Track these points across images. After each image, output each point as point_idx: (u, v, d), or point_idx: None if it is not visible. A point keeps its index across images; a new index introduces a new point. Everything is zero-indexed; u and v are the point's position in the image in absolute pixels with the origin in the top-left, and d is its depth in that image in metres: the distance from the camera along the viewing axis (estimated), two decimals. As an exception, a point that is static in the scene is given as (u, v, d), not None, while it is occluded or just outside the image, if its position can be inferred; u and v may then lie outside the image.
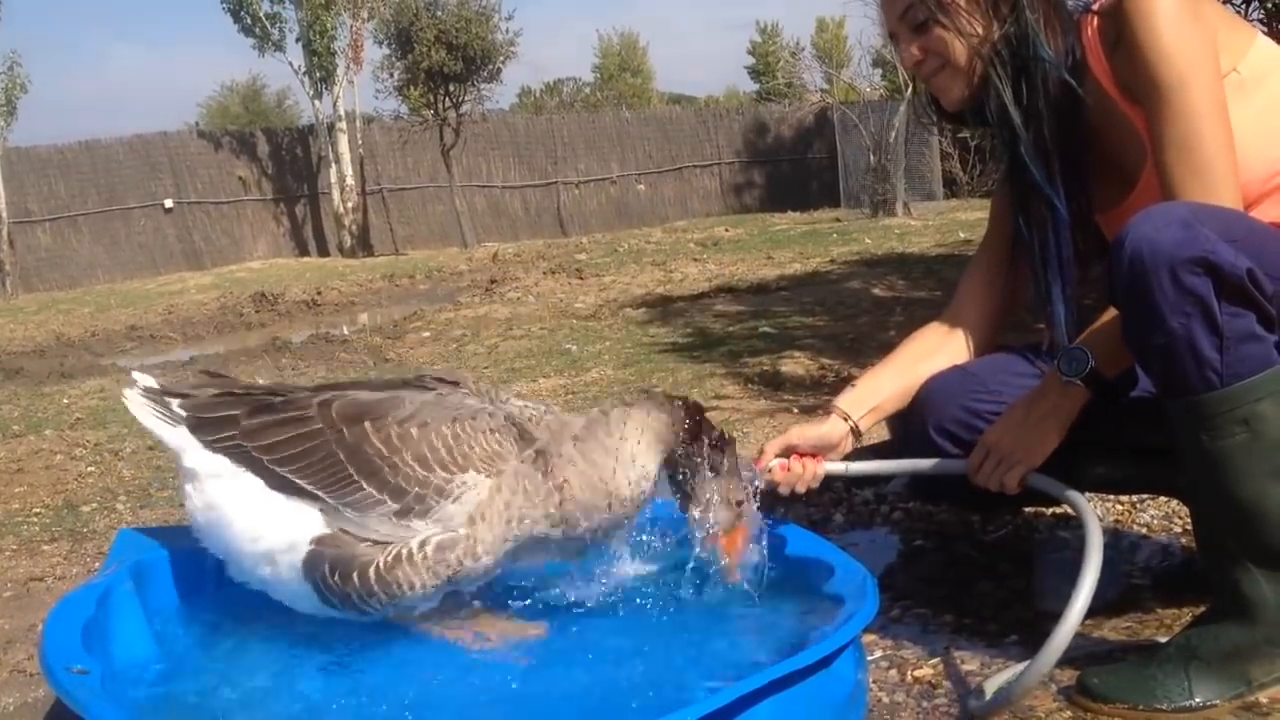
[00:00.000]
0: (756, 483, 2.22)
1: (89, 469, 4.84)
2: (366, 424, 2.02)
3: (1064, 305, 2.19)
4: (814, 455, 2.28)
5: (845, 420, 2.30)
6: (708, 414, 2.20)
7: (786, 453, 2.28)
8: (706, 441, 2.13)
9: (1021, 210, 2.21)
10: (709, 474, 2.13)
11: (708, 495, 2.14)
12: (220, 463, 2.08)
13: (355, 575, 2.00)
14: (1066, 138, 2.12)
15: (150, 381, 2.18)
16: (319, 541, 2.02)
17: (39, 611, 2.82)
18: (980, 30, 2.11)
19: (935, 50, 2.15)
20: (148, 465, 4.77)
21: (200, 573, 2.28)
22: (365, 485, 2.00)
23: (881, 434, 2.51)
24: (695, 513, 2.15)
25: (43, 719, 2.24)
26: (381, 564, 2.00)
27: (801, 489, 2.28)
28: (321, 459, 2.02)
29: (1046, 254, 2.18)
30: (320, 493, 2.02)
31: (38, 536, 3.75)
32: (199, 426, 2.10)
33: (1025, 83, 2.10)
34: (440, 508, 2.00)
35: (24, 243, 21.69)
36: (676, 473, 2.16)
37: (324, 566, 2.01)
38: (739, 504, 2.17)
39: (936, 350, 2.37)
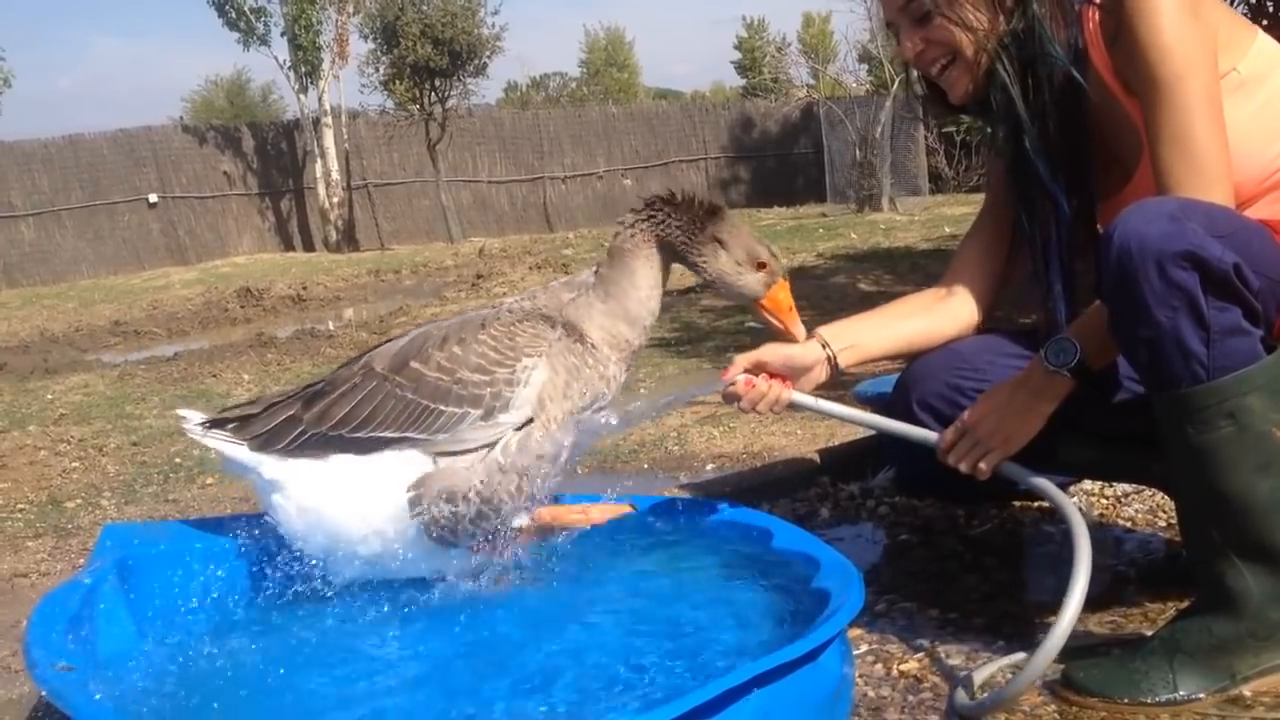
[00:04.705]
0: (716, 390, 2.22)
1: (73, 465, 4.83)
2: (413, 364, 2.13)
3: (1064, 299, 2.18)
4: (783, 379, 2.25)
5: (823, 347, 2.27)
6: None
7: (755, 370, 2.24)
8: (703, 226, 2.16)
9: (1024, 205, 2.20)
10: (718, 249, 2.17)
11: (728, 270, 2.18)
12: (301, 463, 2.15)
13: (460, 502, 2.10)
14: (1070, 132, 2.11)
15: (199, 418, 2.25)
16: (416, 487, 2.11)
17: (23, 608, 2.81)
18: (985, 23, 2.09)
19: (938, 42, 2.13)
20: (132, 461, 4.76)
21: (185, 568, 2.27)
22: (445, 407, 2.10)
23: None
24: (729, 288, 2.20)
25: (27, 715, 2.23)
26: (479, 483, 2.11)
27: (763, 409, 2.24)
28: (393, 405, 2.12)
29: (1048, 250, 2.18)
30: (409, 434, 2.12)
31: (22, 533, 3.74)
32: (267, 442, 2.17)
33: (1032, 78, 2.09)
34: (517, 395, 2.11)
35: (7, 237, 21.60)
36: (692, 264, 2.20)
37: (429, 508, 2.11)
38: (760, 265, 2.18)
39: (929, 309, 2.37)
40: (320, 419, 2.14)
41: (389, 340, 2.26)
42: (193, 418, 2.25)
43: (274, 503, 2.17)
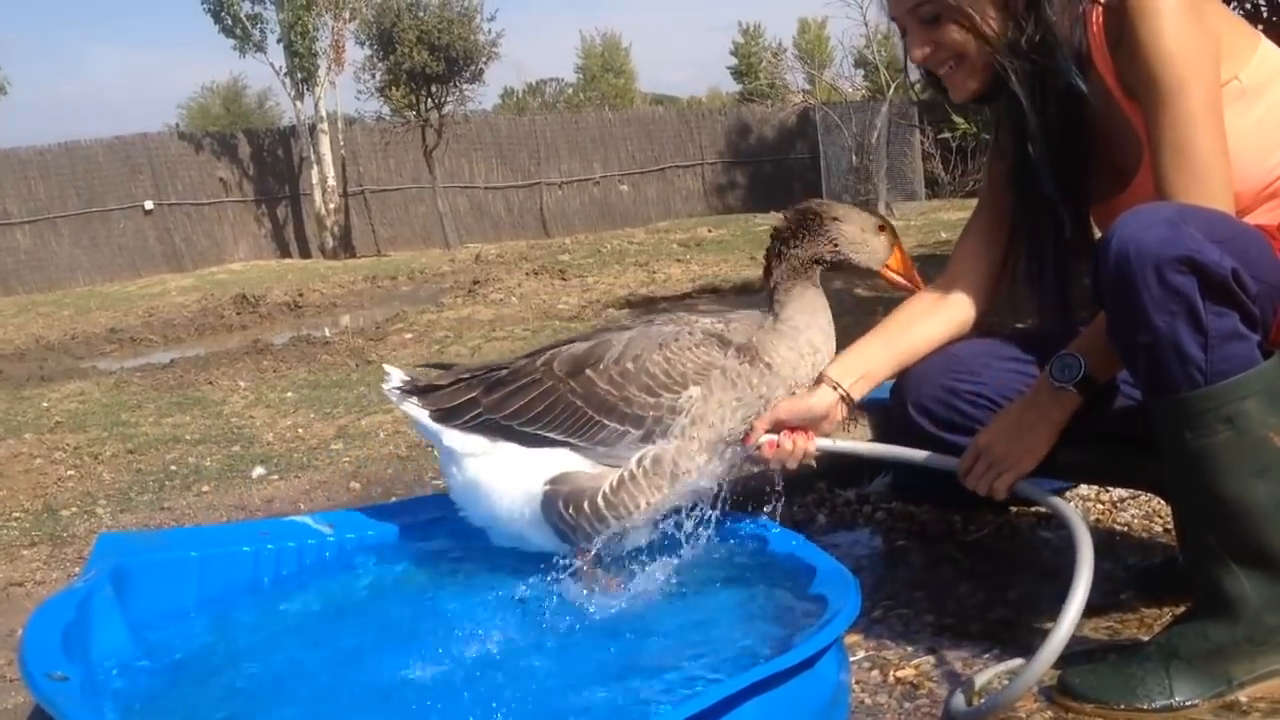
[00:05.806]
0: (740, 452, 2.24)
1: (69, 473, 4.82)
2: (588, 371, 2.26)
3: (1059, 306, 2.18)
4: (805, 431, 2.25)
5: (834, 389, 2.27)
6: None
7: (776, 429, 2.25)
8: (821, 218, 2.31)
9: (1023, 211, 2.21)
10: (839, 224, 2.32)
11: (856, 239, 2.32)
12: (475, 440, 2.31)
13: (586, 505, 2.22)
14: (1073, 138, 2.11)
15: (399, 379, 2.42)
16: (552, 483, 2.25)
17: (18, 617, 2.81)
18: (996, 28, 2.05)
19: (947, 45, 2.10)
20: (128, 469, 4.75)
21: (180, 577, 2.27)
22: (608, 422, 2.23)
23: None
24: (855, 259, 2.33)
25: (22, 725, 2.22)
26: (607, 490, 2.22)
27: (793, 465, 2.25)
28: (562, 410, 2.25)
29: (1044, 256, 2.18)
30: (571, 439, 2.26)
31: (17, 541, 3.73)
32: (447, 416, 2.33)
33: (1040, 88, 2.07)
34: (677, 423, 2.22)
35: (3, 245, 21.56)
36: (829, 250, 2.32)
37: (558, 504, 2.24)
38: (881, 229, 2.34)
39: (929, 314, 2.36)
40: (497, 406, 2.28)
41: (580, 335, 2.38)
42: (394, 376, 2.42)
43: (448, 469, 2.36)
